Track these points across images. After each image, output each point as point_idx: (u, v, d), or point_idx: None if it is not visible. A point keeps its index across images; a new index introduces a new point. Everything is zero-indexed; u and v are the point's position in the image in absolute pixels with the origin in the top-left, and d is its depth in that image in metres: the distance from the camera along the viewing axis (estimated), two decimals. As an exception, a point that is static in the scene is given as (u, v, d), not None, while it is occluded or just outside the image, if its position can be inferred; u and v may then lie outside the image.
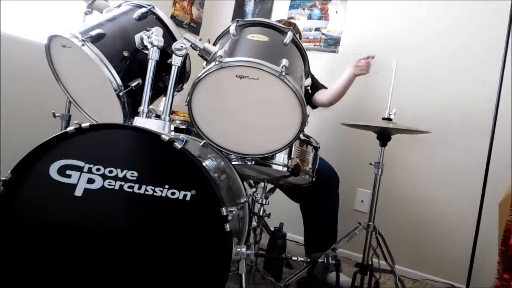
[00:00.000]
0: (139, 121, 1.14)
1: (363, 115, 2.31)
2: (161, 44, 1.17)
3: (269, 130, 1.16)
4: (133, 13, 1.30)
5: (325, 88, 2.12)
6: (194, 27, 2.96)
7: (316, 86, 2.11)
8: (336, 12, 2.52)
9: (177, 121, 1.65)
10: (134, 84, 1.22)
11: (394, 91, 1.67)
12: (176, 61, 1.16)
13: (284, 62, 1.05)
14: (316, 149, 1.58)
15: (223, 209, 0.96)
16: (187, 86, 1.33)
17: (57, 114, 1.68)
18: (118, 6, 1.40)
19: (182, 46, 1.15)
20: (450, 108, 2.14)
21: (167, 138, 0.98)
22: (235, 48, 1.12)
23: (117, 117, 1.27)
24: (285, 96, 1.07)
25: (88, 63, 1.17)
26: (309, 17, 2.63)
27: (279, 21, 2.17)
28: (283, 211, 2.06)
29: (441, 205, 2.16)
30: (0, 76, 1.79)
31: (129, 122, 1.27)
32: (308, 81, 1.25)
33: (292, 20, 2.53)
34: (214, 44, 1.27)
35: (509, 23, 1.67)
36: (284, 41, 1.18)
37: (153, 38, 1.17)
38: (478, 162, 1.93)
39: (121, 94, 1.18)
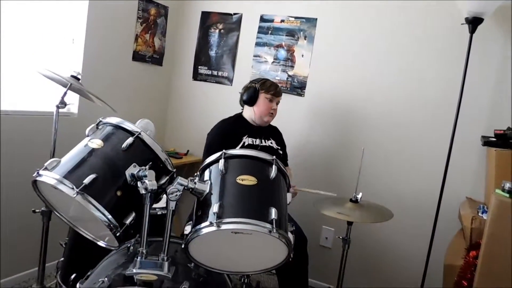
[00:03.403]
0: (139, 264, 1.22)
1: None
2: (155, 187, 1.23)
3: (258, 261, 1.31)
4: (119, 142, 1.32)
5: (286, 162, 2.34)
6: (157, 58, 2.90)
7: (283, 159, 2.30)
8: (302, 55, 2.60)
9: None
10: (129, 220, 1.27)
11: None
12: (171, 205, 1.23)
13: (274, 214, 1.17)
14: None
15: None
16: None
17: (37, 210, 1.68)
18: (97, 125, 1.40)
19: (177, 194, 1.22)
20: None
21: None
22: (227, 199, 1.21)
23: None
24: (275, 241, 1.20)
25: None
26: (276, 57, 2.68)
27: (264, 81, 2.20)
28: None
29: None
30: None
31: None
32: (289, 198, 1.38)
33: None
34: (202, 173, 1.34)
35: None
36: (271, 177, 1.28)
37: (147, 183, 1.21)
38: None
39: (118, 234, 1.24)
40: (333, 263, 2.45)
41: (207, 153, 2.11)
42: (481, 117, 2.23)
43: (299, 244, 2.05)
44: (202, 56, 2.94)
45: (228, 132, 2.16)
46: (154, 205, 1.58)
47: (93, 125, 1.41)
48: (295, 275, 2.06)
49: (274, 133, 2.32)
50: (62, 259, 1.81)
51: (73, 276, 1.59)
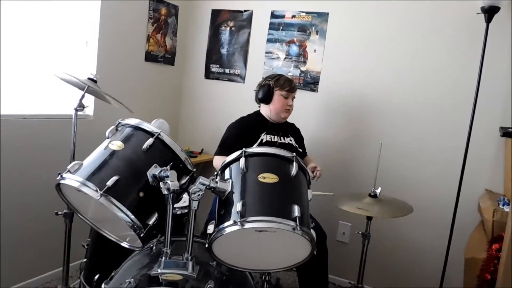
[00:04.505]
0: (164, 264, 1.23)
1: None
2: (178, 188, 1.23)
3: (281, 259, 1.32)
4: (139, 143, 1.33)
5: (305, 154, 2.33)
6: (169, 57, 2.91)
7: (302, 153, 2.29)
8: (315, 51, 2.58)
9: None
10: (152, 221, 1.28)
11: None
12: (193, 205, 1.24)
13: (297, 211, 1.17)
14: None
15: None
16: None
17: (59, 213, 1.71)
18: (117, 127, 1.40)
19: (199, 194, 1.22)
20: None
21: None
22: (249, 198, 1.21)
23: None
24: (299, 238, 1.20)
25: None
26: (288, 53, 2.67)
27: (278, 78, 2.18)
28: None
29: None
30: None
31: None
32: (310, 195, 1.38)
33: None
34: (223, 172, 1.34)
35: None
36: (292, 174, 1.29)
37: (170, 184, 1.22)
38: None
39: (141, 235, 1.26)
40: (351, 258, 2.45)
41: (222, 145, 2.11)
42: (499, 108, 2.20)
43: (319, 240, 2.03)
44: (213, 54, 2.94)
45: (247, 128, 2.16)
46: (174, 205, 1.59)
47: (112, 127, 1.41)
48: (315, 271, 2.06)
49: (292, 130, 2.32)
50: (84, 260, 1.84)
51: (97, 277, 1.62)
